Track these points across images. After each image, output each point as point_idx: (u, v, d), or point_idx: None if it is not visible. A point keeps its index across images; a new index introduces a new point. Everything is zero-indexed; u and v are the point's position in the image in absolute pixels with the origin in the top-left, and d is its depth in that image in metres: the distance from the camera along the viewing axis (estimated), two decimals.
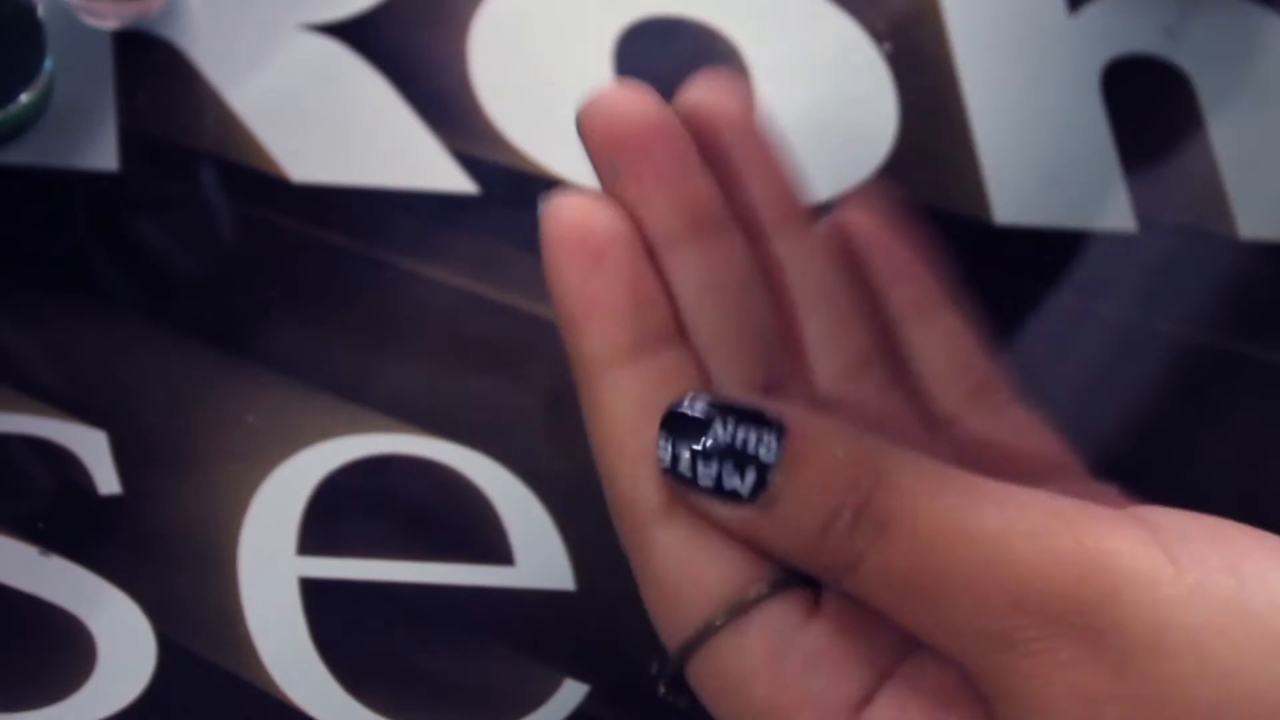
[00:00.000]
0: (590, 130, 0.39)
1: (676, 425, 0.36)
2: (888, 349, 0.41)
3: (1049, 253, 0.55)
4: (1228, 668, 0.34)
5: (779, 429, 0.35)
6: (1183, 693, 0.34)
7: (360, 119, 0.54)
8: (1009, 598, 0.34)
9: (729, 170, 0.41)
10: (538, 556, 0.48)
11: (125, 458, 0.48)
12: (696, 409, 0.36)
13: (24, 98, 0.51)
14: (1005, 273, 0.54)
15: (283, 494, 0.48)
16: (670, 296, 0.39)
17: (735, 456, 0.36)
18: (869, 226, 0.42)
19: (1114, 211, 0.55)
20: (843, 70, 0.56)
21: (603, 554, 0.48)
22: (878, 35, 0.57)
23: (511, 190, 0.53)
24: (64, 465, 0.48)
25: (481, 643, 0.47)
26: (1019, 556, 0.34)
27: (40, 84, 0.51)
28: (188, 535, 0.47)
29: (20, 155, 0.52)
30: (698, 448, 0.36)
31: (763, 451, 0.35)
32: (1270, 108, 0.58)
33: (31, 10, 0.52)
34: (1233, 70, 0.54)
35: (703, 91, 0.41)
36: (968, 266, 0.42)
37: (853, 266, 0.42)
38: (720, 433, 0.36)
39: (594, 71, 0.56)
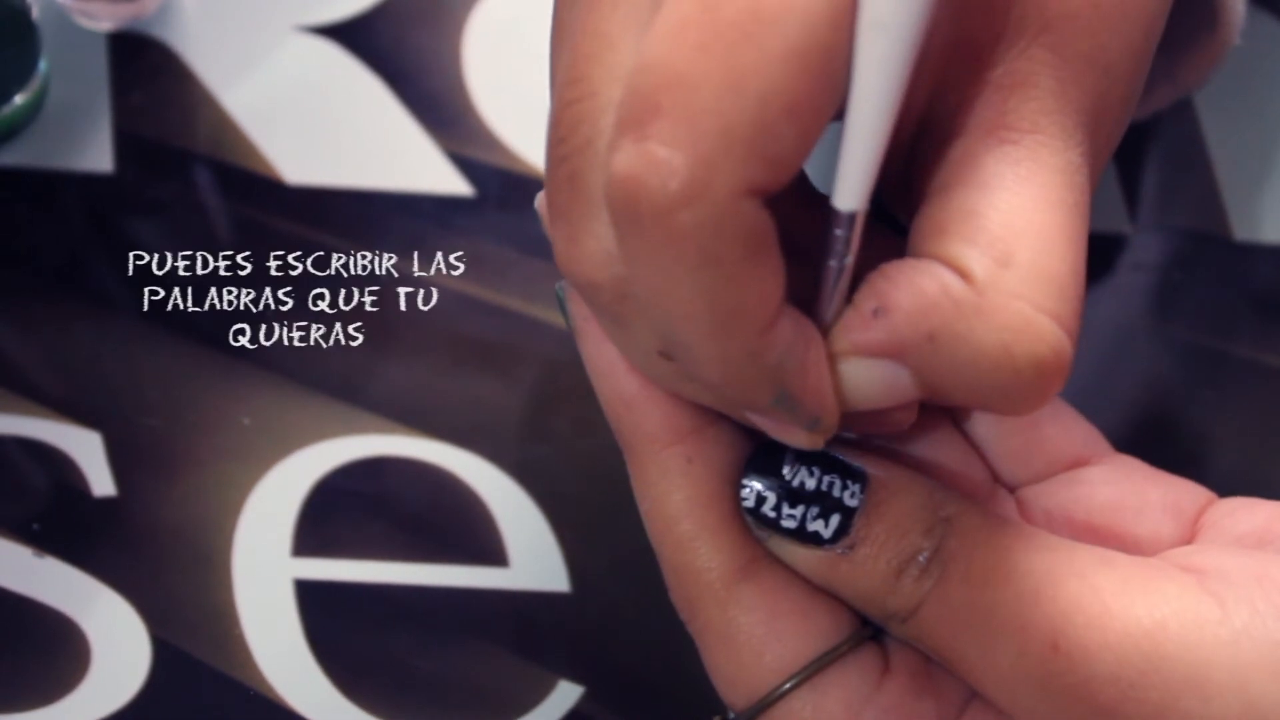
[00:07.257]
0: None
1: (764, 468, 0.37)
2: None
3: None
4: (1274, 708, 0.34)
5: (862, 477, 0.37)
6: None
7: (355, 121, 0.54)
8: (1050, 636, 0.35)
9: None
10: (532, 558, 0.48)
11: (120, 459, 0.48)
12: (786, 453, 0.37)
13: (18, 99, 0.51)
14: None
15: (277, 495, 0.48)
16: None
17: (821, 501, 0.37)
18: None
19: (1109, 213, 0.55)
20: None
21: (597, 555, 0.48)
22: None
23: (506, 192, 0.53)
24: (58, 466, 0.48)
25: (476, 644, 0.47)
26: (1062, 594, 0.35)
27: (35, 85, 0.51)
28: (182, 537, 0.47)
29: (15, 156, 0.51)
30: (786, 490, 0.37)
31: (847, 497, 0.37)
32: (1266, 112, 0.58)
33: (26, 12, 0.52)
34: (1228, 73, 0.54)
35: None
36: None
37: None
38: (808, 477, 0.37)
39: None
